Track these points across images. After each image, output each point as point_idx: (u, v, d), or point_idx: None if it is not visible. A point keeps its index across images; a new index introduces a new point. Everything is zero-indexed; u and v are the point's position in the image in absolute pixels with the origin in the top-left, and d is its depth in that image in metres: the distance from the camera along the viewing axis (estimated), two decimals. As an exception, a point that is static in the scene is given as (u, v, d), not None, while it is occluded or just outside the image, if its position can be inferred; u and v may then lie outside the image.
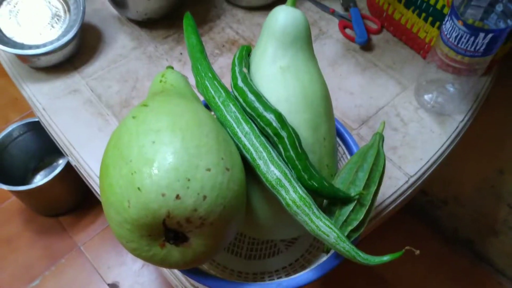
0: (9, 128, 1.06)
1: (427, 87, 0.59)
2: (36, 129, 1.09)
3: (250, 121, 0.36)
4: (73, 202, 1.13)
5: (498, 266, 1.05)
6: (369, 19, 0.69)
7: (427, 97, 0.59)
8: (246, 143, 0.35)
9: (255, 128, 0.36)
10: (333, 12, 0.70)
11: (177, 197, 0.29)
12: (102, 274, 1.04)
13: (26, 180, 1.15)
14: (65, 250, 1.08)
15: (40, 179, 1.14)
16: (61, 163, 1.03)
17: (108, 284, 1.02)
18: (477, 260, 1.07)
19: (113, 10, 0.69)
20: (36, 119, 1.07)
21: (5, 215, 1.14)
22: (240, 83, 0.37)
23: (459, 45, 0.48)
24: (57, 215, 1.13)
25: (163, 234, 0.30)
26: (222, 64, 0.63)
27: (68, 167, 0.99)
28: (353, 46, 0.66)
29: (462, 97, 0.58)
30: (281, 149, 0.35)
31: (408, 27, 0.63)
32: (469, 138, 0.63)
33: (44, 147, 1.14)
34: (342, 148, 0.46)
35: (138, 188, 0.29)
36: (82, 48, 0.64)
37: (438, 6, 0.57)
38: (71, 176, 1.02)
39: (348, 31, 0.68)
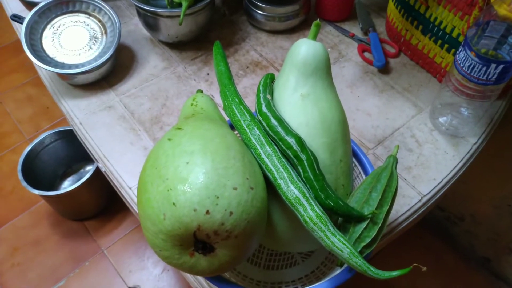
0: (42, 136, 1.12)
1: (442, 110, 0.61)
2: (66, 137, 1.16)
3: (273, 143, 0.40)
4: (98, 207, 1.18)
5: (515, 286, 1.05)
6: (387, 43, 0.72)
7: (442, 119, 0.61)
8: (269, 163, 0.39)
9: (277, 150, 0.39)
10: (352, 36, 0.73)
11: (207, 212, 0.32)
12: (124, 277, 1.09)
13: (54, 186, 1.21)
14: (90, 253, 1.13)
15: (68, 185, 1.20)
16: (88, 170, 1.08)
17: (130, 288, 1.07)
18: (493, 278, 1.07)
19: (145, 32, 0.74)
20: (67, 128, 1.13)
21: (34, 218, 1.20)
22: (264, 108, 0.41)
23: (472, 73, 0.51)
24: (82, 220, 1.19)
25: (193, 244, 0.34)
26: (246, 85, 0.67)
27: (95, 174, 1.04)
28: (371, 69, 0.69)
29: (476, 121, 0.60)
30: (301, 170, 0.39)
31: (424, 52, 0.66)
32: (486, 158, 0.65)
33: (73, 155, 1.20)
34: (358, 169, 0.49)
35: (173, 203, 0.32)
36: (116, 67, 0.69)
37: (454, 34, 0.59)
38: (98, 183, 1.08)
39: (366, 54, 0.71)
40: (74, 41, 0.66)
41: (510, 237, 0.97)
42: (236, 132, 0.49)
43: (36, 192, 1.01)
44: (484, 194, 0.97)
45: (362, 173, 0.48)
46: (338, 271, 0.41)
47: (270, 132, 0.40)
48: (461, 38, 0.59)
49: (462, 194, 1.01)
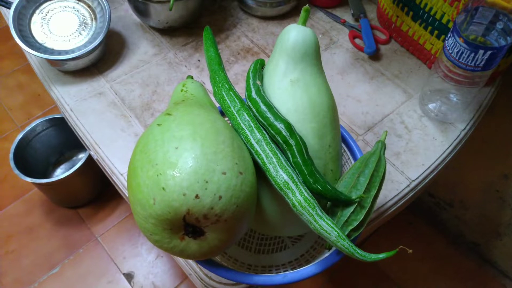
0: (33, 124, 1.11)
1: (431, 96, 0.62)
2: (58, 125, 1.15)
3: (262, 129, 0.40)
4: (92, 195, 1.19)
5: (502, 268, 1.07)
6: (378, 30, 0.72)
7: (431, 106, 0.62)
8: (258, 149, 0.39)
9: (266, 135, 0.40)
10: (344, 23, 0.73)
11: (196, 196, 0.33)
12: (118, 264, 1.09)
13: (47, 173, 1.21)
14: (83, 241, 1.14)
15: (60, 173, 1.20)
16: (81, 157, 1.08)
17: (124, 274, 1.08)
18: (481, 262, 1.10)
19: (135, 18, 0.73)
20: (58, 115, 1.12)
21: (27, 206, 1.20)
22: (253, 94, 0.41)
23: (460, 59, 0.51)
24: (76, 207, 1.19)
25: (183, 228, 0.34)
26: (237, 71, 0.67)
27: (88, 162, 1.04)
28: (362, 55, 0.69)
29: (464, 107, 0.61)
30: (290, 155, 0.39)
31: (415, 38, 0.66)
32: (474, 144, 0.66)
33: (65, 142, 1.20)
34: (347, 154, 0.50)
35: (163, 188, 0.33)
36: (107, 54, 0.69)
37: (444, 21, 0.60)
38: (90, 170, 1.08)
39: (357, 41, 0.71)
40: (64, 27, 0.65)
41: (498, 221, 0.99)
42: (226, 118, 0.49)
43: (29, 179, 1.01)
44: (472, 180, 0.98)
45: (351, 158, 0.49)
46: (327, 254, 0.42)
47: (260, 118, 0.40)
48: (450, 25, 0.59)
49: (451, 180, 1.02)
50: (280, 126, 0.39)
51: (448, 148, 0.59)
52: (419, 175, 0.57)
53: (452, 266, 1.10)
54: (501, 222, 0.98)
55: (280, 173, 0.38)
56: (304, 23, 0.42)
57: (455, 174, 0.99)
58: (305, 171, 0.39)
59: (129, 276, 1.07)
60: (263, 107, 0.40)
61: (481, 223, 1.04)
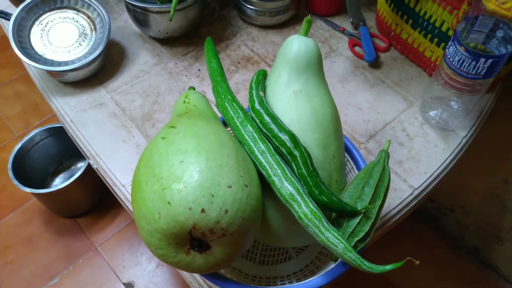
0: (32, 133, 1.11)
1: (432, 103, 0.62)
2: (57, 134, 1.15)
3: (266, 140, 0.40)
4: (91, 204, 1.18)
5: (504, 273, 1.07)
6: (378, 38, 0.72)
7: (432, 113, 0.62)
8: (263, 160, 0.39)
9: (271, 147, 0.40)
10: (343, 31, 0.74)
11: (202, 210, 0.32)
12: (118, 273, 1.09)
13: (45, 183, 1.20)
14: (83, 250, 1.13)
15: (59, 182, 1.20)
16: (80, 167, 1.08)
17: (124, 284, 1.07)
18: (483, 266, 1.10)
19: (135, 28, 0.73)
20: (57, 125, 1.12)
21: (26, 216, 1.19)
22: (257, 105, 0.41)
23: (461, 68, 0.51)
24: (75, 217, 1.18)
25: (188, 242, 0.34)
26: (238, 80, 0.67)
27: (87, 171, 1.04)
28: (362, 63, 0.69)
29: (465, 114, 0.61)
30: (294, 167, 0.39)
31: (414, 46, 0.66)
32: (475, 149, 0.66)
33: (64, 152, 1.20)
34: (350, 163, 0.50)
35: (168, 202, 0.33)
36: (107, 64, 0.69)
37: (443, 29, 0.60)
38: (89, 180, 1.07)
39: (357, 49, 0.71)
40: (63, 38, 0.65)
41: (499, 226, 0.99)
42: (229, 128, 0.49)
43: (27, 190, 1.01)
44: (473, 185, 0.98)
45: (354, 168, 0.49)
46: (333, 265, 0.41)
47: (264, 129, 0.40)
48: (450, 32, 0.60)
49: (453, 186, 1.02)
50: (284, 137, 0.39)
51: (450, 155, 0.59)
52: (422, 183, 0.57)
53: (454, 271, 1.10)
54: (502, 227, 0.98)
55: (285, 185, 0.38)
56: (306, 34, 0.42)
57: (456, 179, 0.99)
58: (310, 183, 0.38)
59: (129, 286, 1.07)
60: (266, 118, 0.40)
61: (482, 228, 1.04)
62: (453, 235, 1.13)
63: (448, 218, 1.11)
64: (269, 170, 0.39)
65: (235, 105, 0.43)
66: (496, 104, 0.66)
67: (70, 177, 1.03)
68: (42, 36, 0.64)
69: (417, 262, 0.37)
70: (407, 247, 1.12)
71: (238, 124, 0.41)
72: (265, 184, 0.40)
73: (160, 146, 0.36)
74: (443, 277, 1.09)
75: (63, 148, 1.19)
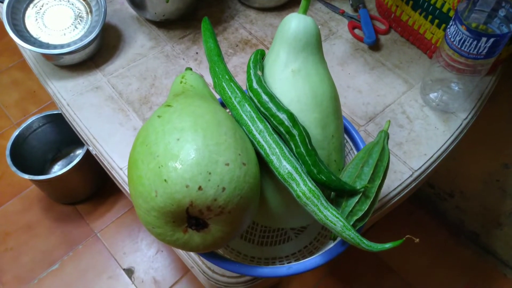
0: (29, 120, 1.10)
1: (433, 86, 0.61)
2: (55, 121, 1.14)
3: (264, 120, 0.40)
4: (90, 191, 1.18)
5: (503, 258, 1.07)
6: (378, 20, 0.71)
7: (432, 95, 0.62)
8: (260, 140, 0.39)
9: (269, 126, 0.39)
10: (343, 13, 0.73)
11: (199, 188, 0.32)
12: (118, 259, 1.09)
13: (44, 170, 1.20)
14: (83, 237, 1.13)
15: (58, 169, 1.20)
16: (78, 153, 1.07)
17: (124, 269, 1.07)
18: (482, 251, 1.10)
19: (131, 10, 0.72)
20: (55, 112, 1.11)
21: (25, 203, 1.19)
22: (255, 85, 0.41)
23: (463, 48, 0.51)
24: (74, 203, 1.18)
25: (186, 221, 0.34)
26: (236, 63, 0.67)
27: (85, 158, 1.04)
28: (361, 46, 0.69)
29: (466, 96, 0.61)
30: (293, 146, 0.39)
31: (415, 28, 0.65)
32: (475, 134, 0.66)
33: (62, 139, 1.19)
34: (349, 145, 0.49)
35: (165, 180, 0.32)
36: (103, 47, 0.68)
37: (444, 9, 0.59)
38: (88, 166, 1.07)
39: (357, 31, 0.70)
40: (59, 21, 0.64)
41: (498, 211, 0.99)
42: (227, 109, 0.48)
43: (26, 176, 1.00)
44: (473, 170, 0.98)
45: (353, 149, 0.48)
46: (331, 244, 0.41)
47: (262, 109, 0.40)
48: (451, 13, 0.59)
49: (452, 171, 1.02)
50: (282, 116, 0.39)
51: (450, 137, 0.59)
52: (422, 165, 0.56)
53: (453, 256, 1.10)
54: (502, 212, 0.98)
55: (284, 164, 0.37)
56: (304, 12, 0.42)
57: (455, 164, 0.99)
58: (309, 162, 0.38)
59: (129, 272, 1.07)
60: (264, 97, 0.40)
61: (482, 213, 1.04)
62: (452, 221, 1.13)
63: (447, 203, 1.11)
64: (267, 149, 0.38)
65: (233, 85, 0.42)
66: (497, 87, 0.66)
67: (68, 164, 1.02)
68: (37, 19, 0.63)
69: (417, 240, 0.37)
70: (405, 233, 1.11)
71: (235, 103, 0.41)
72: (263, 164, 0.39)
73: (156, 124, 0.35)
74: (441, 262, 1.09)
75: (62, 135, 1.18)
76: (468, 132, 0.62)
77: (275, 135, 0.39)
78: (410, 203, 1.17)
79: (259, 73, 0.42)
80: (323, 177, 0.38)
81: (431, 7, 0.61)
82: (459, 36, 0.50)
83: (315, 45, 0.41)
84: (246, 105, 0.40)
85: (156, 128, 0.35)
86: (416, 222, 1.16)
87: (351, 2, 0.73)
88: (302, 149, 0.38)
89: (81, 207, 1.18)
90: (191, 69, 0.49)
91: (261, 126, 0.39)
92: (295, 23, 0.41)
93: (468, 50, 0.51)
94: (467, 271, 1.08)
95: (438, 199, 1.12)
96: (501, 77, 0.66)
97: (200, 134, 0.34)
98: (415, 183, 0.56)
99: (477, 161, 0.95)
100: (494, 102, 0.72)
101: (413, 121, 0.60)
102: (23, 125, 1.09)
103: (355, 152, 0.48)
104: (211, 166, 0.33)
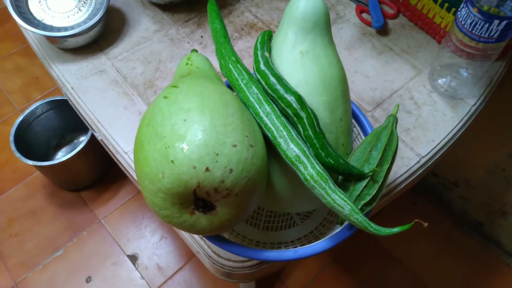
0: (33, 106, 1.09)
1: (441, 71, 0.60)
2: (59, 107, 1.13)
3: (272, 102, 0.39)
4: (94, 177, 1.18)
5: (507, 248, 1.07)
6: (386, 4, 0.70)
7: (440, 81, 0.61)
8: (268, 122, 0.38)
9: (276, 108, 0.39)
10: (350, -4, 0.71)
11: (207, 169, 0.32)
12: (122, 246, 1.09)
13: (48, 156, 1.20)
14: (87, 223, 1.13)
15: (62, 156, 1.19)
16: (82, 140, 1.07)
17: (128, 256, 1.08)
18: (486, 241, 1.10)
19: (136, -7, 0.71)
20: (59, 98, 1.11)
21: (29, 189, 1.19)
22: (262, 66, 0.40)
23: (474, 31, 0.50)
24: (78, 190, 1.18)
25: (193, 202, 0.33)
26: (242, 47, 0.66)
27: (89, 144, 1.03)
28: (369, 30, 0.67)
29: (475, 82, 0.60)
30: (300, 129, 0.38)
31: (424, 12, 0.64)
32: (481, 122, 0.65)
33: (66, 125, 1.19)
34: (357, 129, 0.49)
35: (172, 161, 0.32)
36: (107, 30, 0.67)
37: (455, -8, 0.58)
38: (92, 152, 1.07)
39: (364, 15, 0.69)
40: (62, 3, 0.63)
41: (503, 200, 0.98)
42: (235, 94, 0.48)
43: (30, 162, 1.00)
44: (478, 159, 0.97)
45: (361, 133, 0.48)
46: (338, 229, 0.41)
47: (269, 90, 0.39)
48: (462, -4, 0.57)
49: (457, 160, 1.01)
50: (290, 98, 0.38)
51: (458, 124, 0.58)
52: (429, 151, 0.56)
53: (457, 246, 1.10)
54: (507, 201, 0.98)
55: (291, 147, 0.37)
56: (313, -8, 0.41)
57: (460, 153, 0.98)
58: (317, 145, 0.38)
59: (133, 258, 1.07)
60: (272, 79, 0.39)
61: (486, 202, 1.03)
62: (457, 210, 1.13)
63: (451, 192, 1.10)
64: (275, 132, 0.38)
65: (239, 67, 0.41)
66: (506, 73, 0.64)
67: (72, 151, 1.02)
68: (40, 1, 0.63)
69: (426, 224, 0.36)
70: (409, 222, 1.12)
71: (242, 85, 0.40)
72: (270, 147, 0.39)
73: (162, 105, 0.35)
74: (445, 252, 1.09)
75: (66, 122, 1.18)
76: (475, 120, 0.61)
77: (282, 118, 0.38)
78: (414, 192, 1.16)
79: (267, 54, 0.41)
80: (331, 160, 0.37)
81: (441, -10, 0.60)
82: (470, 19, 0.49)
83: (324, 26, 0.41)
84: (253, 87, 0.40)
85: (163, 109, 0.35)
86: (420, 211, 1.15)
87: (359, -14, 0.72)
88: (310, 132, 0.38)
89: (85, 194, 1.18)
90: (196, 51, 0.48)
91: (268, 109, 0.38)
92: (303, 2, 0.40)
93: (479, 34, 0.50)
94: (471, 260, 1.08)
95: (442, 188, 1.12)
96: (511, 63, 0.65)
97: (207, 115, 0.33)
98: (422, 170, 0.55)
99: (482, 150, 0.95)
100: (501, 90, 0.71)
101: (421, 107, 0.60)
102: (27, 111, 1.09)
103: (363, 137, 0.47)
104: (218, 147, 0.32)
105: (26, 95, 1.38)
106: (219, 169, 0.32)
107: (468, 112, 0.59)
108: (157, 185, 0.33)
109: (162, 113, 0.34)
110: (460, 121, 0.58)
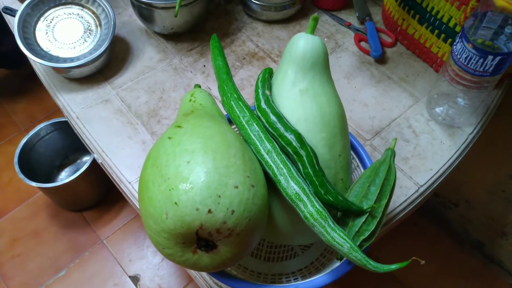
0: (37, 128, 1.11)
1: (439, 100, 0.61)
2: (62, 128, 1.15)
3: (272, 140, 0.40)
4: (96, 198, 1.19)
5: (508, 268, 1.07)
6: (384, 33, 0.71)
7: (438, 109, 0.62)
8: (268, 160, 0.39)
9: (277, 146, 0.40)
10: (349, 26, 0.73)
11: (209, 211, 0.33)
12: (124, 266, 1.10)
13: (51, 177, 1.21)
14: (89, 244, 1.14)
15: (65, 176, 1.21)
16: (85, 160, 1.08)
17: (130, 276, 1.08)
18: (487, 261, 1.10)
19: (140, 23, 0.73)
20: (62, 119, 1.12)
21: (32, 209, 1.20)
22: (263, 105, 0.41)
23: (469, 65, 0.51)
24: (81, 210, 1.19)
25: (195, 242, 0.34)
26: (243, 76, 0.67)
27: (92, 165, 1.04)
28: (368, 59, 0.69)
29: (472, 111, 0.61)
30: (300, 166, 0.39)
31: (421, 42, 0.66)
32: (481, 145, 0.66)
33: (69, 145, 1.20)
34: (356, 161, 0.50)
35: (175, 203, 0.33)
36: (112, 60, 0.69)
37: (451, 24, 0.59)
38: (95, 174, 1.08)
39: (363, 44, 0.71)
40: (68, 34, 0.65)
41: (503, 221, 0.99)
42: (234, 126, 0.49)
43: (34, 184, 1.01)
44: (478, 180, 0.98)
45: (360, 166, 0.49)
46: (338, 263, 0.42)
47: (270, 128, 0.40)
48: (458, 28, 0.59)
49: (457, 180, 1.02)
50: (290, 137, 0.39)
51: (456, 152, 0.59)
52: (428, 180, 0.56)
53: (458, 266, 1.10)
54: (507, 222, 0.98)
55: (291, 185, 0.38)
56: (312, 32, 0.42)
57: (461, 174, 0.99)
58: (316, 182, 0.39)
59: (135, 279, 1.08)
60: (272, 117, 0.40)
61: (487, 223, 1.04)
62: (457, 230, 1.13)
63: (452, 212, 1.11)
64: (275, 169, 0.39)
65: (241, 104, 0.43)
66: (503, 100, 0.66)
67: (75, 171, 1.03)
68: (47, 32, 0.64)
69: (423, 262, 0.37)
70: (410, 241, 1.12)
71: (244, 123, 0.41)
72: (271, 183, 0.40)
73: (167, 146, 0.36)
74: (446, 272, 1.09)
75: (69, 142, 1.19)
76: (474, 143, 0.62)
77: (283, 155, 0.39)
78: (415, 213, 1.17)
79: (267, 92, 0.42)
80: (330, 197, 0.38)
81: (437, 21, 0.61)
82: (465, 54, 0.51)
83: (322, 65, 0.42)
84: (255, 124, 0.41)
85: (167, 149, 0.36)
86: (420, 231, 1.16)
87: (357, 15, 0.74)
88: (309, 169, 0.39)
89: (88, 214, 1.19)
90: (199, 86, 0.49)
91: (269, 146, 0.40)
92: (303, 43, 0.41)
93: (474, 68, 0.51)
94: (472, 280, 1.08)
95: (443, 207, 1.12)
96: (507, 91, 0.66)
97: (210, 157, 0.34)
98: (420, 198, 0.56)
99: (482, 171, 0.95)
100: (500, 114, 0.72)
101: (419, 136, 0.61)
102: (31, 133, 1.10)
103: (362, 169, 0.48)
104: (220, 189, 0.33)
105: (30, 115, 1.39)
106: (221, 210, 0.33)
107: (465, 140, 0.60)
108: (161, 225, 0.34)
109: (166, 154, 0.36)
110: (458, 149, 0.59)
